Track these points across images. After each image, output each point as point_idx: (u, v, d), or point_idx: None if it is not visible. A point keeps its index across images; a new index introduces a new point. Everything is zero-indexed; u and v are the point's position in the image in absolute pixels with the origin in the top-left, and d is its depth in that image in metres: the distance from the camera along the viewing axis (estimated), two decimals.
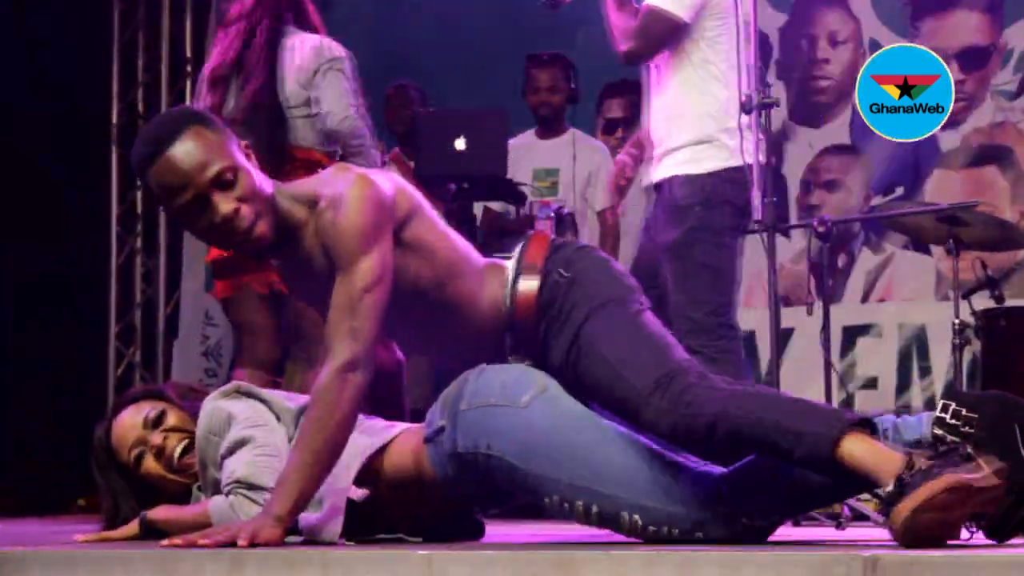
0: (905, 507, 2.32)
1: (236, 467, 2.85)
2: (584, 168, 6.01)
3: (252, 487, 2.81)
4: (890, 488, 2.38)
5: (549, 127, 6.18)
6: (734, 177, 4.45)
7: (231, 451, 2.89)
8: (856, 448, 2.46)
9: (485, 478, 2.74)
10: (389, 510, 2.82)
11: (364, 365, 2.67)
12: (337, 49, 4.71)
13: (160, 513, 2.98)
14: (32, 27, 6.77)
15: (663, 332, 2.84)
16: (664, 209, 4.52)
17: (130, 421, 3.10)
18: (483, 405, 2.73)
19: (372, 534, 2.81)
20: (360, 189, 2.74)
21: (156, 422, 3.09)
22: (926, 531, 2.32)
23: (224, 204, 2.73)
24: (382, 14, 7.21)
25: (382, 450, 2.81)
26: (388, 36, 7.03)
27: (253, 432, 2.88)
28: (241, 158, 2.78)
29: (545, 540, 3.02)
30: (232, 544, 2.50)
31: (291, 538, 2.69)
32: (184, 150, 2.71)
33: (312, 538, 2.73)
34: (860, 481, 2.50)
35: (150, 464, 3.08)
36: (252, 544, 2.50)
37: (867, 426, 2.51)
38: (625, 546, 2.57)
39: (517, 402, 2.72)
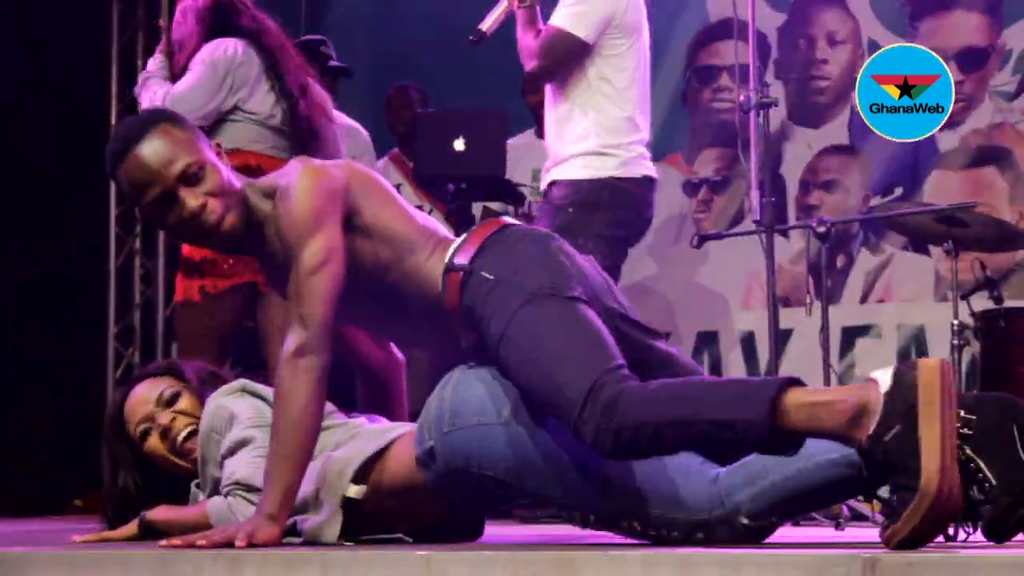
0: (895, 535, 2.30)
1: (235, 468, 2.86)
2: None
3: (251, 488, 2.81)
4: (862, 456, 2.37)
5: None
6: (622, 187, 4.50)
7: (231, 451, 2.90)
8: (794, 417, 2.40)
9: (482, 488, 2.72)
10: (388, 515, 2.81)
11: (314, 350, 2.67)
12: None
13: (159, 514, 2.98)
14: (32, 27, 6.76)
15: (587, 325, 2.65)
16: (543, 211, 4.60)
17: (144, 395, 3.12)
18: (465, 426, 2.68)
19: (371, 535, 2.81)
20: (306, 179, 2.77)
21: (169, 402, 3.10)
22: (921, 541, 2.32)
23: (191, 199, 2.77)
24: (382, 14, 7.20)
25: (380, 454, 2.79)
26: (388, 36, 7.02)
27: (254, 432, 2.89)
28: (210, 155, 2.82)
29: (545, 540, 3.02)
30: (230, 545, 2.51)
31: (290, 539, 2.70)
32: (151, 147, 2.76)
33: (311, 540, 2.73)
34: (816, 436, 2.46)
35: (154, 442, 3.09)
36: (250, 544, 2.51)
37: (793, 384, 2.44)
38: (625, 546, 2.57)
39: (498, 418, 2.67)
